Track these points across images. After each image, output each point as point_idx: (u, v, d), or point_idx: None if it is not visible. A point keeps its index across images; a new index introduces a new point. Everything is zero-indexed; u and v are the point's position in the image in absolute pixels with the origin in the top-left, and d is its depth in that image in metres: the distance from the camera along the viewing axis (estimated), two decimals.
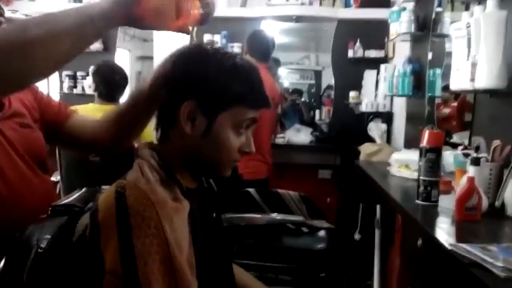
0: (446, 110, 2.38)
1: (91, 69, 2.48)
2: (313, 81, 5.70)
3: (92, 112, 2.39)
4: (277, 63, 4.10)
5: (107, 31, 0.76)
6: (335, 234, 2.03)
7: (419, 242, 1.20)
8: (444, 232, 1.13)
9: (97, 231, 0.67)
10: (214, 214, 1.01)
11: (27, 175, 0.92)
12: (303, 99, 5.32)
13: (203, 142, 0.80)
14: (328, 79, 4.89)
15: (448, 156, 1.66)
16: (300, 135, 3.28)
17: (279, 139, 3.24)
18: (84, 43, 0.73)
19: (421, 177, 1.37)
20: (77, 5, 0.72)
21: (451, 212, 1.23)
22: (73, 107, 2.52)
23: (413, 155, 1.99)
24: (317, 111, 5.66)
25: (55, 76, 3.63)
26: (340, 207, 3.19)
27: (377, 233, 2.46)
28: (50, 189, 1.06)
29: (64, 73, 3.60)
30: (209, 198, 1.00)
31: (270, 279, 1.76)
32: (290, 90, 5.14)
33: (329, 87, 4.95)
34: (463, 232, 1.14)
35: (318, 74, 5.58)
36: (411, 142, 2.54)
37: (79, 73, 3.59)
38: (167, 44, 2.72)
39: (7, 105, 0.92)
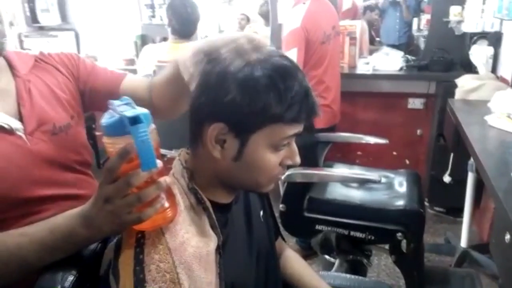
0: None
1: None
2: None
3: (168, 52, 2.35)
4: None
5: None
6: (418, 185, 1.87)
7: (507, 237, 1.01)
8: None
9: (117, 274, 0.64)
10: (261, 213, 0.94)
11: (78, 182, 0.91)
12: None
13: (236, 165, 0.71)
14: None
15: None
16: (388, 60, 2.93)
17: (363, 66, 2.93)
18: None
19: None
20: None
21: None
22: (147, 46, 2.55)
23: None
24: (415, 20, 5.05)
25: (134, 5, 3.61)
26: (432, 140, 2.91)
27: (470, 176, 2.22)
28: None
29: (142, 1, 3.55)
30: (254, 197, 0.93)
31: (341, 235, 1.70)
32: None
33: None
34: None
35: None
36: None
37: (156, 1, 3.52)
38: None
39: (29, 111, 0.84)
